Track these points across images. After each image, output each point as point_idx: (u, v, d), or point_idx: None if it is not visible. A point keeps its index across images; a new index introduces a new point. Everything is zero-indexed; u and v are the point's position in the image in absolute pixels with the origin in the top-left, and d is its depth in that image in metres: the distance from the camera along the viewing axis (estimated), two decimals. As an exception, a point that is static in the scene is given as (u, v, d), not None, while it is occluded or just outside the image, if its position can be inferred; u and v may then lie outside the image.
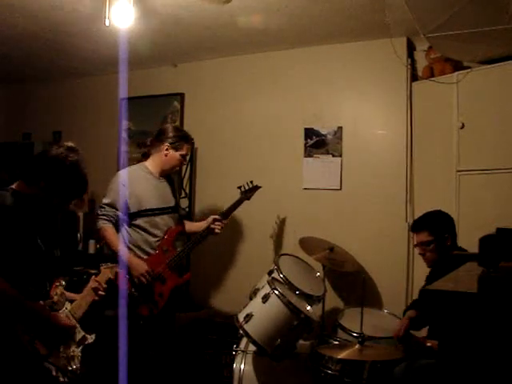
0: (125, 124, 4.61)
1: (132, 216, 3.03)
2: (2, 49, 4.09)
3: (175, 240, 3.18)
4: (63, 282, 2.17)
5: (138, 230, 3.04)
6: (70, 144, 2.12)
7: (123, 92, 4.19)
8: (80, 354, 2.13)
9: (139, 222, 3.03)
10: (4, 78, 5.10)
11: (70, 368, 2.04)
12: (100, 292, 2.26)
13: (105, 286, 2.28)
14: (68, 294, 2.20)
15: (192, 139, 3.26)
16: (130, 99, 4.43)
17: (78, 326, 2.16)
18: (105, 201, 3.03)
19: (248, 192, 3.37)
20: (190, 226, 3.35)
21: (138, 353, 2.90)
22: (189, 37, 3.75)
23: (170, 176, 3.27)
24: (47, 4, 3.16)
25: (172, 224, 3.16)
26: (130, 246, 3.03)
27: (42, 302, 2.01)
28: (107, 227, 2.98)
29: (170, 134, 3.11)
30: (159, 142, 3.13)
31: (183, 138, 3.13)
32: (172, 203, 3.21)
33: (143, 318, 2.94)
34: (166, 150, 3.09)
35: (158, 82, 4.53)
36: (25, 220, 1.99)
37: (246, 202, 3.37)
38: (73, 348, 2.10)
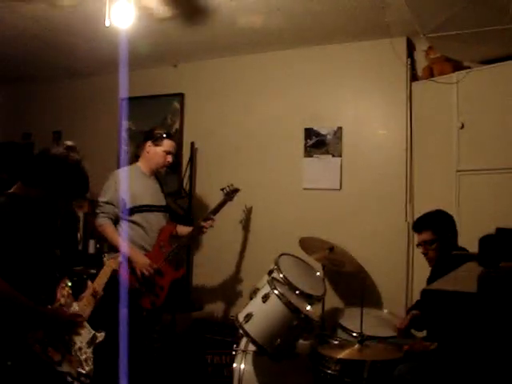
0: (125, 124, 4.61)
1: (129, 212, 3.17)
2: (2, 49, 4.09)
3: (170, 237, 3.33)
4: (69, 283, 2.14)
5: (134, 226, 3.18)
6: (69, 143, 2.07)
7: (123, 92, 4.19)
8: (92, 355, 2.11)
9: (135, 218, 3.18)
10: (4, 78, 5.10)
11: (84, 371, 2.01)
12: (99, 296, 2.27)
13: (102, 292, 2.29)
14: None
15: (171, 135, 3.42)
16: (130, 99, 4.42)
17: (87, 325, 2.14)
18: (102, 199, 3.17)
19: (230, 194, 3.53)
20: (182, 230, 3.46)
21: (141, 345, 3.04)
22: (189, 37, 3.75)
23: (159, 179, 3.47)
24: (47, 4, 3.17)
25: (164, 222, 3.34)
26: (128, 242, 3.14)
27: (49, 307, 1.98)
28: (107, 224, 3.13)
29: (152, 133, 3.35)
30: (144, 141, 3.36)
31: (163, 134, 3.33)
32: (163, 203, 3.40)
33: (146, 310, 3.07)
34: (149, 146, 3.31)
35: (158, 82, 4.53)
36: (25, 224, 1.91)
37: (234, 202, 3.55)
38: (84, 349, 2.08)
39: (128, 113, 4.48)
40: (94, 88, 4.88)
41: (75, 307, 2.12)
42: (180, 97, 4.42)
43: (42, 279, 1.98)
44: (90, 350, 2.11)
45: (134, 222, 3.18)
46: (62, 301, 2.06)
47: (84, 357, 2.06)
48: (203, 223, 3.34)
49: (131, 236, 3.16)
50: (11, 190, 1.98)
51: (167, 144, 3.31)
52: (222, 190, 3.52)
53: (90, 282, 2.32)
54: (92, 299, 2.24)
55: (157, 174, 3.44)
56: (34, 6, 3.20)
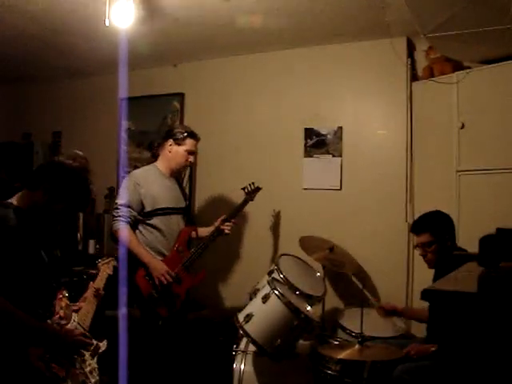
0: (124, 124, 4.61)
1: (147, 215, 3.05)
2: (2, 49, 4.08)
3: (188, 240, 3.21)
4: (66, 294, 2.11)
5: (152, 229, 3.06)
6: (77, 151, 2.08)
7: (123, 92, 4.19)
8: (97, 365, 2.06)
9: (154, 221, 3.06)
10: (4, 78, 5.10)
11: (90, 383, 1.97)
12: (100, 292, 2.27)
13: (103, 292, 2.30)
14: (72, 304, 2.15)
15: (196, 135, 3.23)
16: (130, 99, 4.42)
17: (88, 335, 2.08)
18: (119, 201, 3.03)
19: (252, 193, 3.41)
20: (202, 231, 3.32)
21: (156, 352, 2.97)
22: (189, 37, 3.74)
23: (178, 179, 3.33)
24: (47, 4, 3.17)
25: (183, 225, 3.21)
26: (145, 246, 3.04)
27: (49, 321, 1.94)
28: (125, 228, 2.97)
29: (174, 131, 3.19)
30: (164, 140, 3.20)
31: (185, 133, 3.16)
32: (183, 204, 3.27)
33: (162, 319, 2.98)
34: (170, 145, 3.16)
35: (158, 82, 4.53)
36: (29, 240, 1.89)
37: (249, 202, 3.42)
38: (88, 361, 2.03)
39: (128, 113, 4.48)
40: (93, 88, 4.88)
41: (75, 318, 2.08)
42: (180, 97, 4.42)
43: (38, 293, 1.92)
44: (93, 361, 2.06)
45: (152, 226, 3.05)
46: (61, 313, 2.01)
47: (89, 369, 2.01)
48: (223, 226, 3.20)
49: (149, 240, 3.04)
50: (15, 202, 1.93)
51: (190, 143, 3.15)
52: (243, 189, 3.38)
53: (91, 283, 2.32)
54: (94, 300, 2.23)
55: (176, 174, 3.30)
56: (35, 6, 3.20)
